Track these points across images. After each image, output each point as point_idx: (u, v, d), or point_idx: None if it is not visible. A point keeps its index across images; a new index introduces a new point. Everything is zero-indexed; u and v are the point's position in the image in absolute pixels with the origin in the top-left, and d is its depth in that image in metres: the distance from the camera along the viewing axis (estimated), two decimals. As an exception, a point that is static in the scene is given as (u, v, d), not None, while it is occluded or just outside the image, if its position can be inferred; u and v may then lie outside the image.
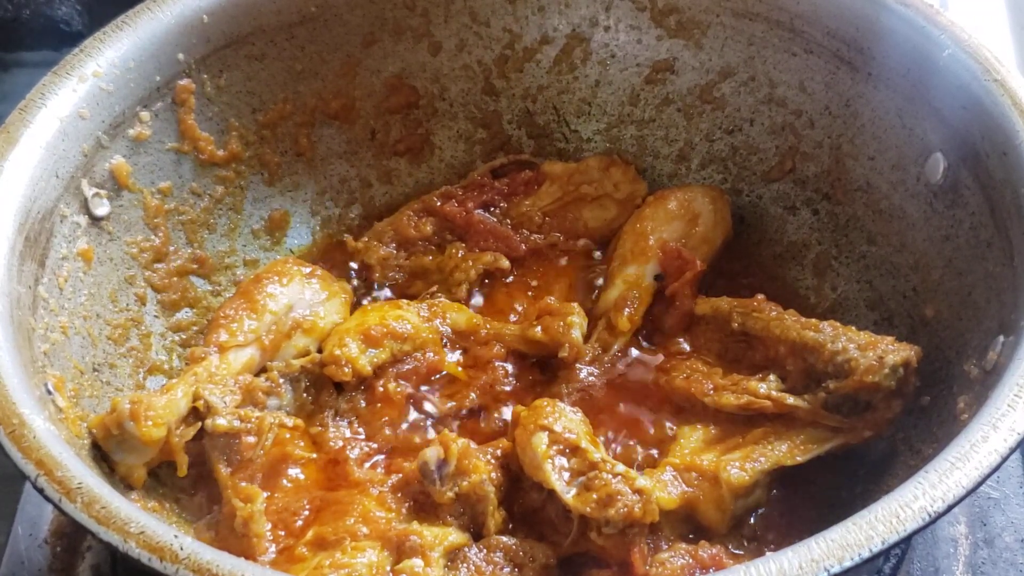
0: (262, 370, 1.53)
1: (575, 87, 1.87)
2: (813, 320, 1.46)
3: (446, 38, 1.82)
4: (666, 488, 1.33)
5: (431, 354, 1.56)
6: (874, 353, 1.36)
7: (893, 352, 1.36)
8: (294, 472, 1.43)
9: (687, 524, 1.36)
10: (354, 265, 1.77)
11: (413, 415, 1.53)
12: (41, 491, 1.10)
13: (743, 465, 1.34)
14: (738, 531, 1.37)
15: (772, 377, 1.43)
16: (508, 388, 1.56)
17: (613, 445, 1.48)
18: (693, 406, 1.48)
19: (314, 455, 1.46)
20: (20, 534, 1.50)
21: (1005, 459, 1.09)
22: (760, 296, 1.55)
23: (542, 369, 1.59)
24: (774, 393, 1.41)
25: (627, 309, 1.60)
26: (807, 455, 1.37)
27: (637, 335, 1.62)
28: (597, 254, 1.77)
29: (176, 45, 1.58)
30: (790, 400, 1.40)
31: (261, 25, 1.67)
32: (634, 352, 1.61)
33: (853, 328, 1.43)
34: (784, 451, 1.37)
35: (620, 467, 1.29)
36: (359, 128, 1.83)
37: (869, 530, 1.02)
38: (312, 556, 1.28)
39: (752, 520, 1.39)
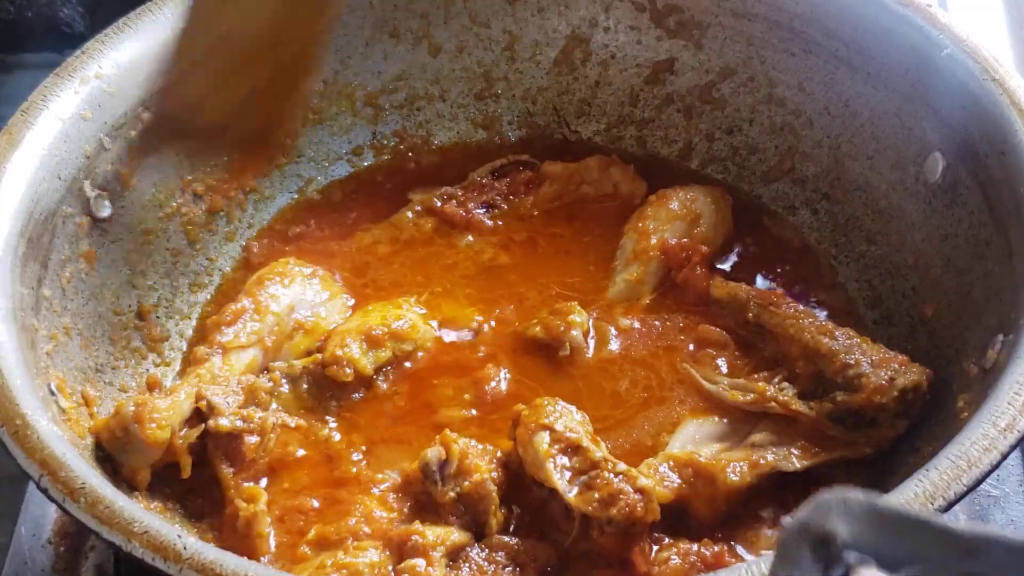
0: (264, 371, 1.54)
1: (575, 88, 1.87)
2: (829, 324, 1.45)
3: (446, 40, 1.82)
4: (662, 483, 1.33)
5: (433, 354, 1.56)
6: (885, 372, 1.35)
7: (904, 375, 1.35)
8: (296, 472, 1.44)
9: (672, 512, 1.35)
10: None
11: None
12: (45, 491, 1.11)
13: (742, 469, 1.34)
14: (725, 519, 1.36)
15: (779, 379, 1.44)
16: (509, 386, 1.56)
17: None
18: (699, 394, 1.48)
19: (316, 455, 1.46)
20: (23, 534, 1.50)
21: (1005, 457, 1.09)
22: (779, 291, 1.55)
23: (543, 366, 1.59)
24: (780, 397, 1.41)
25: (627, 308, 1.61)
26: (806, 463, 1.36)
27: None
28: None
29: (178, 47, 1.59)
30: (794, 406, 1.40)
31: (262, 27, 1.67)
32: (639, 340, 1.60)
33: (868, 340, 1.42)
34: (784, 457, 1.36)
35: (622, 466, 1.29)
36: (359, 129, 1.84)
37: (869, 528, 1.03)
38: (314, 555, 1.29)
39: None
